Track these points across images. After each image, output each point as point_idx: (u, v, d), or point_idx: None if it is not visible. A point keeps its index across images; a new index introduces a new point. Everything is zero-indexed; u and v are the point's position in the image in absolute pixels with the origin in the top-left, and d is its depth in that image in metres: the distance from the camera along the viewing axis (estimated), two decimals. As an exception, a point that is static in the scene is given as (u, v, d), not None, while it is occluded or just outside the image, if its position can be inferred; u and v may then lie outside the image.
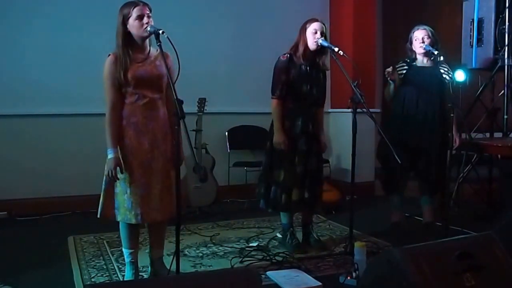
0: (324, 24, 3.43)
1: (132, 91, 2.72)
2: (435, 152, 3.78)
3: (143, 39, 2.73)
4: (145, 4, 2.71)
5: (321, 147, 3.56)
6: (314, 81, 3.46)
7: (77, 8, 4.77)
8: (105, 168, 2.71)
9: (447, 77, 3.80)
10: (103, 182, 2.77)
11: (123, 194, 2.74)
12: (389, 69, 3.69)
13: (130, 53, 2.71)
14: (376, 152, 3.92)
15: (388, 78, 3.71)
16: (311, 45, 3.38)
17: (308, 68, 3.43)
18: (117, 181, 2.71)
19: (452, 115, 3.63)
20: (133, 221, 2.75)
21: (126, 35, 2.70)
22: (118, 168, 2.68)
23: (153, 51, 2.80)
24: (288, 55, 3.43)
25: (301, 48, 3.40)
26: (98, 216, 2.78)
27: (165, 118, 2.83)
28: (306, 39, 3.39)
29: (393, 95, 3.85)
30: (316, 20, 3.42)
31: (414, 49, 3.83)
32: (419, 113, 3.77)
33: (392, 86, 3.80)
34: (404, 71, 3.82)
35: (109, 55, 2.74)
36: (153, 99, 2.77)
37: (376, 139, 5.29)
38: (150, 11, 2.72)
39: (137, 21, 2.66)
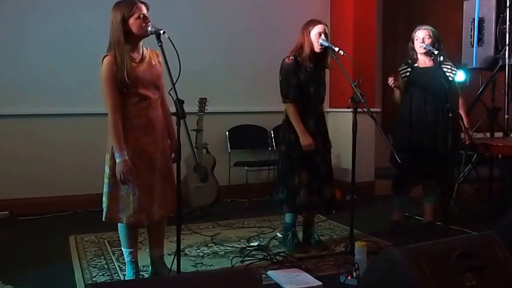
0: (326, 25, 3.44)
1: (135, 91, 2.69)
2: (446, 153, 3.75)
3: (141, 38, 2.72)
4: (143, 3, 2.71)
5: (329, 145, 3.59)
6: (319, 82, 3.48)
7: (81, 8, 4.78)
8: (113, 171, 2.66)
9: (451, 75, 3.80)
10: (106, 185, 2.74)
11: (129, 197, 2.71)
12: (390, 79, 3.71)
13: (128, 51, 2.67)
14: (390, 155, 3.92)
15: (392, 86, 3.73)
16: (317, 48, 3.39)
17: (313, 69, 3.45)
18: (126, 184, 2.67)
19: (450, 115, 3.64)
20: (145, 222, 2.77)
21: (125, 34, 2.65)
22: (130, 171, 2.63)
23: (145, 50, 2.79)
24: (293, 58, 3.43)
25: (307, 51, 3.39)
26: (104, 219, 2.76)
27: (162, 117, 2.84)
28: (312, 42, 3.39)
29: (400, 99, 3.87)
30: (319, 22, 3.41)
31: (415, 49, 3.84)
32: (428, 115, 3.76)
33: (398, 92, 3.82)
34: (408, 73, 3.83)
35: (105, 56, 2.68)
36: (154, 100, 2.78)
37: (376, 138, 5.31)
38: (147, 10, 2.71)
39: (138, 20, 2.64)
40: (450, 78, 3.79)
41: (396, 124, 4.02)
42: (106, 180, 2.75)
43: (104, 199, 2.76)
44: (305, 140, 3.36)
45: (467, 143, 3.85)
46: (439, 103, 3.74)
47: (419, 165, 3.77)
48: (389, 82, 3.73)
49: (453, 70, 3.81)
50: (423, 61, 3.85)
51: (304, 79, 3.41)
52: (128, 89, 2.67)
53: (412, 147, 3.74)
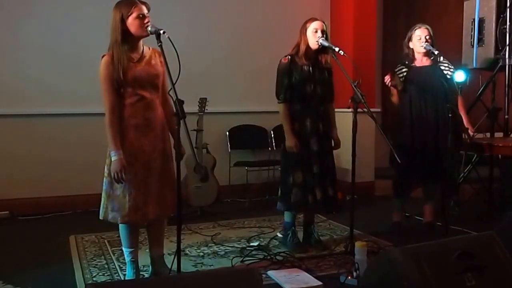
0: (324, 23, 3.43)
1: (132, 91, 2.69)
2: (448, 153, 3.75)
3: (140, 38, 2.72)
4: (144, 3, 2.71)
5: (332, 145, 3.56)
6: (318, 81, 3.46)
7: (81, 7, 4.78)
8: (110, 170, 2.68)
9: (449, 73, 3.79)
10: (104, 184, 2.76)
11: (125, 196, 2.71)
12: (387, 78, 3.69)
13: (127, 51, 2.68)
14: (390, 156, 3.91)
15: (389, 86, 3.71)
16: (313, 44, 3.38)
17: (310, 68, 3.43)
18: (119, 183, 2.69)
19: (450, 115, 3.64)
20: (140, 222, 2.77)
21: (124, 33, 2.66)
22: (124, 169, 2.65)
23: (146, 49, 2.80)
24: (289, 57, 3.42)
25: (302, 48, 3.40)
26: (101, 218, 2.79)
27: (162, 117, 2.84)
28: (307, 39, 3.39)
29: (398, 99, 3.85)
30: (316, 19, 3.41)
31: (412, 46, 3.82)
32: (428, 115, 3.75)
33: (395, 92, 3.80)
34: (405, 73, 3.82)
35: (103, 56, 2.70)
36: (152, 100, 2.77)
37: (376, 139, 5.30)
38: (148, 10, 2.72)
39: (137, 20, 2.64)
40: (448, 76, 3.78)
41: (396, 124, 3.99)
42: (104, 179, 2.77)
43: (102, 197, 2.78)
44: (288, 141, 3.40)
45: (468, 142, 3.84)
46: (439, 102, 3.74)
47: (422, 165, 3.75)
48: (385, 81, 3.71)
49: (450, 68, 3.80)
50: (420, 60, 3.84)
51: (299, 78, 3.40)
52: (125, 89, 2.68)
53: (414, 147, 3.73)
